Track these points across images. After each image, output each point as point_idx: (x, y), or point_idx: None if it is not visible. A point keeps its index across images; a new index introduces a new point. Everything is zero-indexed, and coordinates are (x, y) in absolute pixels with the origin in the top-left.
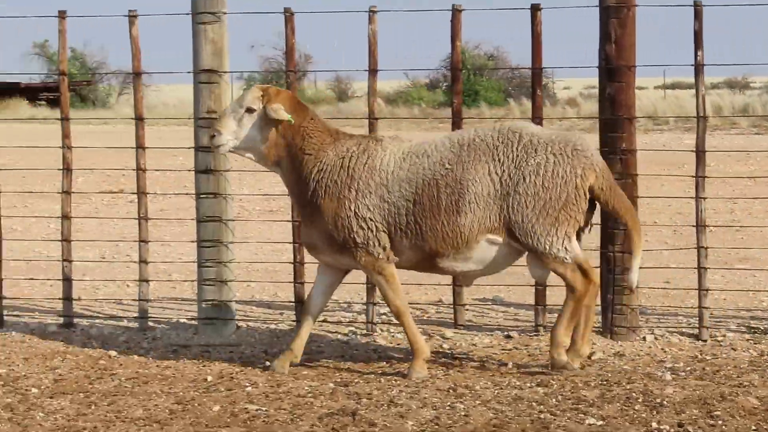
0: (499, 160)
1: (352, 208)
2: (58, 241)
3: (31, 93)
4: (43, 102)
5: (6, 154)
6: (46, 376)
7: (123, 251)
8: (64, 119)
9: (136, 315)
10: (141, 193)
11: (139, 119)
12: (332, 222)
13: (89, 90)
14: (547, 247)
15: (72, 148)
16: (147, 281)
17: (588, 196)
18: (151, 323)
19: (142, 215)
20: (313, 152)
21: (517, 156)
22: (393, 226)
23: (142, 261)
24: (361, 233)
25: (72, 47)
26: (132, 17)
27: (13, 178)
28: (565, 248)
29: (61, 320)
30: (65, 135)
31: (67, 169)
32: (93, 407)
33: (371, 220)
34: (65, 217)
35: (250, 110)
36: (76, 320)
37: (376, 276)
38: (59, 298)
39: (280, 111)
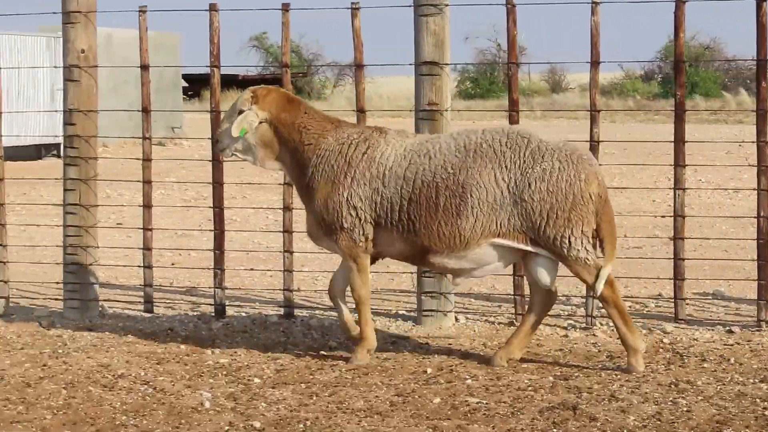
0: (506, 167)
1: (345, 195)
2: (279, 232)
3: (248, 85)
4: None
5: None
6: (267, 366)
7: None
8: None
9: (353, 306)
10: None
11: (360, 111)
12: (323, 204)
13: (305, 82)
14: (566, 249)
15: None
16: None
17: (593, 201)
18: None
19: None
20: (312, 141)
21: (524, 163)
22: (384, 219)
23: None
24: (348, 219)
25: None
26: (354, 9)
27: (232, 170)
28: (585, 248)
29: (281, 311)
30: None
31: None
32: (314, 398)
33: (361, 209)
34: (286, 208)
35: (242, 113)
36: (296, 311)
37: (350, 262)
38: (280, 289)
39: (246, 119)
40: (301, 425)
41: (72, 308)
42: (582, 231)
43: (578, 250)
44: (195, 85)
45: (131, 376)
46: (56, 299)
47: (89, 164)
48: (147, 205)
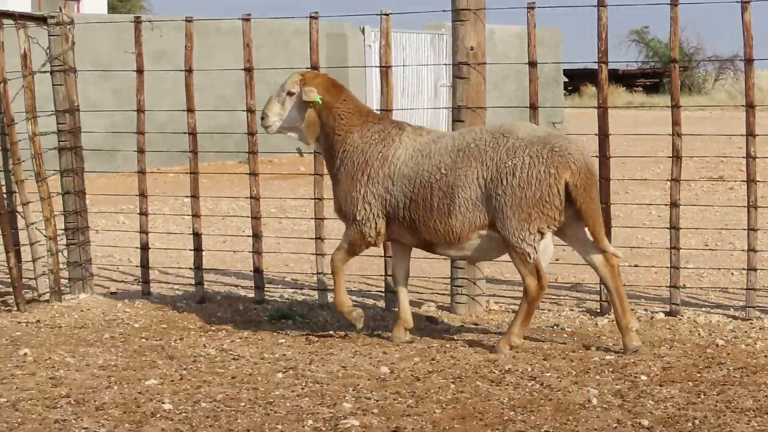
0: (486, 165)
1: (362, 192)
2: (666, 228)
3: (628, 80)
4: (640, 88)
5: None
6: (654, 363)
7: (726, 239)
8: (675, 106)
9: (743, 304)
10: (750, 180)
11: (750, 106)
12: (344, 197)
13: (685, 76)
14: (519, 242)
15: (681, 135)
16: (755, 270)
17: (563, 195)
18: (757, 313)
19: (751, 203)
20: (341, 133)
21: (500, 159)
22: (392, 215)
23: (750, 249)
24: (362, 213)
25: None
26: (744, 3)
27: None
28: (533, 246)
29: (667, 308)
30: (675, 122)
31: (676, 157)
32: (702, 396)
33: (374, 206)
34: (674, 204)
35: (290, 93)
36: (681, 308)
37: (346, 244)
38: (665, 286)
39: (311, 93)
40: (690, 424)
41: (459, 303)
42: (538, 228)
43: (527, 244)
44: (575, 81)
45: (518, 371)
46: (443, 294)
47: None
48: None
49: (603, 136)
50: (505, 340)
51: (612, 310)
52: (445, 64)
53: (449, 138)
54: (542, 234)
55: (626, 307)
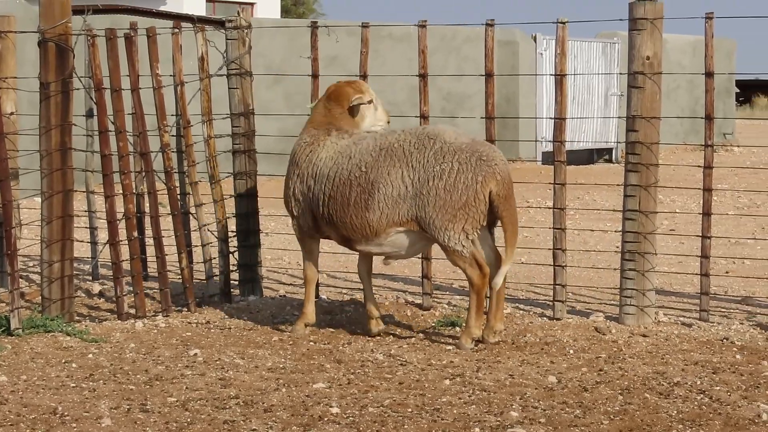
0: (412, 166)
1: (292, 189)
2: None
3: None
4: None
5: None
6: None
7: None
8: None
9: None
10: None
11: None
12: (284, 193)
13: None
14: (446, 240)
15: None
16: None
17: (487, 201)
18: None
19: None
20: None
21: (428, 161)
22: (314, 212)
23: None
24: (297, 209)
25: None
26: None
27: None
28: (462, 243)
29: None
30: None
31: None
32: None
33: (302, 202)
34: None
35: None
36: None
37: (300, 243)
38: None
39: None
40: None
41: (628, 314)
42: (463, 228)
43: (455, 243)
44: (747, 91)
45: (687, 384)
46: (611, 305)
47: (650, 171)
48: (707, 213)
49: None
50: (466, 335)
51: None
52: (618, 73)
53: (371, 139)
54: (467, 233)
55: (499, 309)
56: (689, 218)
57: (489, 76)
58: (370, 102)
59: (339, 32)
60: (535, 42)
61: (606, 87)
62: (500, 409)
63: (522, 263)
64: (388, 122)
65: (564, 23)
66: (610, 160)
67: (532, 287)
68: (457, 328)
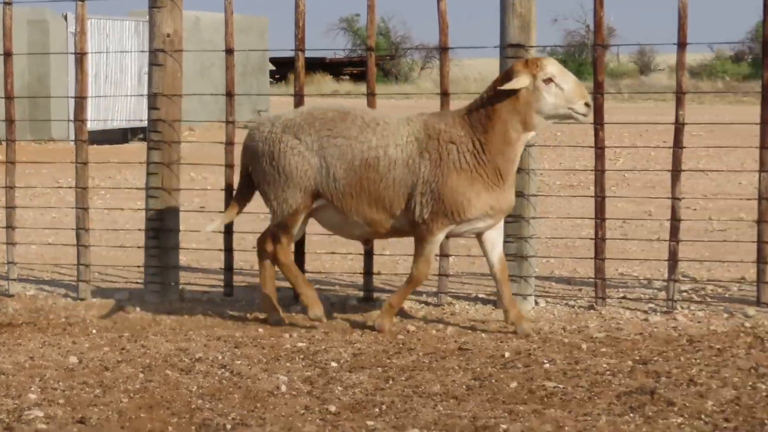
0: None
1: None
2: None
3: (335, 68)
4: (347, 77)
5: None
6: (345, 350)
7: None
8: (371, 94)
9: (435, 290)
10: None
11: (444, 94)
12: None
13: (392, 65)
14: None
15: None
16: (447, 256)
17: None
18: (449, 299)
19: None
20: None
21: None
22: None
23: None
24: None
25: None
26: None
27: None
28: None
29: (361, 294)
30: None
31: None
32: (390, 382)
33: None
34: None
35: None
36: (376, 294)
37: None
38: (361, 273)
39: None
40: (377, 409)
41: (153, 291)
42: None
43: None
44: (282, 69)
45: (209, 360)
46: (137, 283)
47: (172, 148)
48: (229, 189)
49: None
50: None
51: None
52: (142, 52)
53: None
54: None
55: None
56: (220, 195)
57: (8, 55)
58: None
59: None
60: (66, 21)
61: (140, 65)
62: (18, 392)
63: (49, 244)
64: None
65: (83, 1)
66: (144, 139)
67: (57, 267)
68: None
